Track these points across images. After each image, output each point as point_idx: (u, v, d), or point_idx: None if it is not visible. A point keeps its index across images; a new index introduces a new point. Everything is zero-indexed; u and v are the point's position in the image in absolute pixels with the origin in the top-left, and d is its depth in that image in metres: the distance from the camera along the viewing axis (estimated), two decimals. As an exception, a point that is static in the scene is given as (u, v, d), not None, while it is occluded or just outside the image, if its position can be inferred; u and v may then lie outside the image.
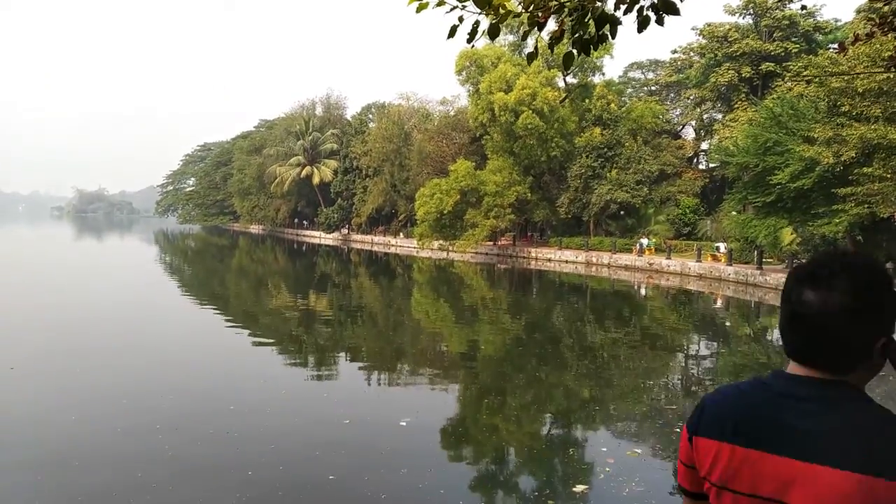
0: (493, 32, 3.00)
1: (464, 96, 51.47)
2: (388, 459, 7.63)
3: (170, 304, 21.87)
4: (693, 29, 43.14)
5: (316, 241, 71.59)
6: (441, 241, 46.07)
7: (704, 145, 47.26)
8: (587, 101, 44.77)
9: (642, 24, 2.90)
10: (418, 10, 2.97)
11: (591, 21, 2.95)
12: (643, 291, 30.02)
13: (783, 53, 37.89)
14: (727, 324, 21.17)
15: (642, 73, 54.97)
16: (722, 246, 33.49)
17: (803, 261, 1.73)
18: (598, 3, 2.96)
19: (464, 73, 46.18)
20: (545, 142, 42.05)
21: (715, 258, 33.00)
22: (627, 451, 8.05)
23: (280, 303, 24.07)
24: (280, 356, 14.10)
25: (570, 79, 47.22)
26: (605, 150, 42.34)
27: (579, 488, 6.78)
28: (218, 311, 21.36)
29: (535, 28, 3.10)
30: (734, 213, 34.57)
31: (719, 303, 26.01)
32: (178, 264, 44.21)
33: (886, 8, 4.56)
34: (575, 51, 3.18)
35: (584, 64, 44.20)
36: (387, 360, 14.25)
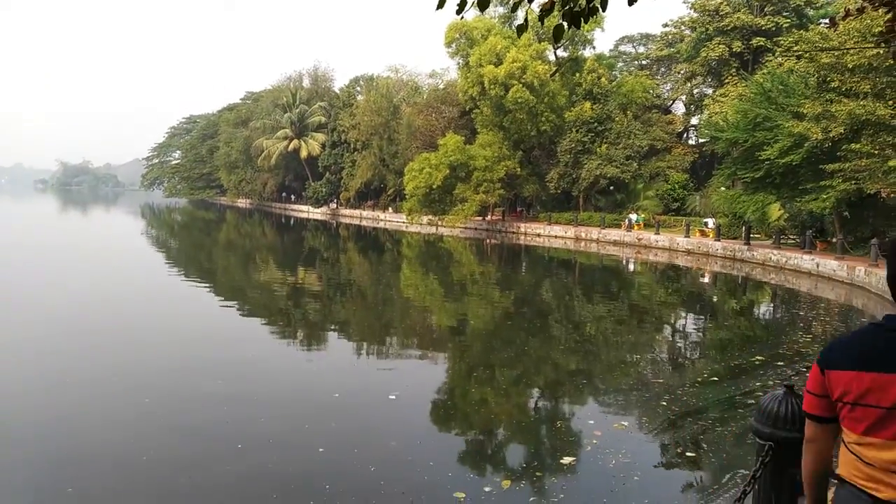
0: (482, 3, 2.95)
1: (453, 69, 51.06)
2: (377, 432, 7.68)
3: (156, 280, 21.74)
4: (684, 2, 42.79)
5: (304, 215, 71.24)
6: (430, 216, 45.97)
7: (694, 120, 47.21)
8: (577, 75, 44.48)
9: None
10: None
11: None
12: (631, 267, 30.17)
13: (774, 28, 37.71)
14: (714, 299, 21.35)
15: (633, 47, 54.64)
16: (710, 221, 33.64)
17: (791, 237, 2.05)
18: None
19: (453, 45, 45.67)
20: (535, 116, 41.84)
21: (703, 234, 33.16)
22: (614, 424, 8.14)
23: (268, 277, 24.00)
24: (269, 331, 14.08)
25: (560, 52, 46.86)
26: (595, 124, 42.20)
27: (567, 460, 6.85)
28: (206, 286, 21.27)
29: (526, -1, 3.05)
30: (723, 188, 34.67)
31: (707, 278, 26.20)
32: (164, 239, 43.89)
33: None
34: (565, 23, 3.13)
35: (574, 37, 43.82)
36: (376, 334, 14.28)
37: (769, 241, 29.00)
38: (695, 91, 45.85)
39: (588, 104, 42.93)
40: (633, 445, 7.39)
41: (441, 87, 55.81)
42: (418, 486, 6.17)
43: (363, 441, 7.35)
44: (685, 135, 49.01)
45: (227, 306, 17.28)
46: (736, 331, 15.42)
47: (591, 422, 8.24)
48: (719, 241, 30.78)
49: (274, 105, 76.51)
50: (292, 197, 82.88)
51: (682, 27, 45.95)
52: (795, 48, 25.97)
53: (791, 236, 29.43)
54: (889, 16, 5.17)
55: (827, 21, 33.18)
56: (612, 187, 42.77)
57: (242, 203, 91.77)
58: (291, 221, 64.52)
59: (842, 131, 21.05)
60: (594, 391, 10.06)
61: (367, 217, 62.88)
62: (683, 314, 18.34)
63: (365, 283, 23.74)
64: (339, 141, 67.30)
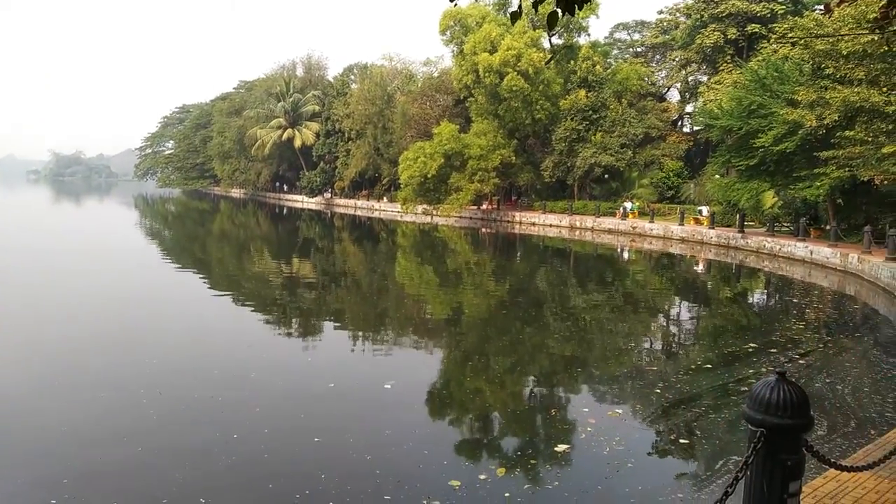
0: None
1: (448, 57, 50.84)
2: (372, 421, 7.70)
3: (151, 270, 21.68)
4: (679, -11, 42.62)
5: (298, 205, 71.04)
6: (425, 206, 45.88)
7: (689, 108, 47.15)
8: (572, 62, 44.32)
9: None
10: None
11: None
12: (626, 255, 30.21)
13: (769, 15, 37.59)
14: (708, 286, 21.41)
15: (628, 34, 54.38)
16: (704, 209, 33.67)
17: (785, 224, 1.93)
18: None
19: (448, 32, 45.42)
20: (530, 104, 41.70)
21: (697, 221, 33.20)
22: (609, 412, 8.18)
23: (263, 268, 23.96)
24: (264, 321, 14.07)
25: (555, 39, 46.68)
26: (590, 112, 42.09)
27: (561, 448, 6.88)
28: (200, 277, 21.23)
29: (520, -15, 3.02)
30: (717, 176, 34.67)
31: (701, 266, 26.27)
32: (158, 229, 43.75)
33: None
34: (559, 10, 3.11)
35: (569, 24, 43.64)
36: (371, 324, 14.29)
37: (763, 229, 29.07)
38: (689, 78, 45.74)
39: (583, 92, 42.80)
40: (627, 433, 7.43)
41: (435, 75, 55.55)
42: (413, 474, 6.19)
43: (359, 430, 7.37)
44: (680, 122, 48.95)
45: (222, 297, 17.25)
46: (729, 318, 15.48)
47: (586, 409, 8.28)
48: (713, 228, 30.83)
49: (267, 94, 76.08)
50: (286, 187, 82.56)
51: (677, 14, 45.77)
52: (790, 35, 25.90)
53: (785, 224, 29.49)
54: (884, 2, 5.15)
55: (822, 7, 33.10)
56: (606, 175, 42.74)
57: (236, 193, 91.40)
58: (285, 211, 64.36)
59: (836, 118, 21.05)
60: (589, 379, 10.10)
61: (361, 207, 62.74)
62: (677, 302, 18.39)
63: (360, 272, 23.73)
64: (334, 130, 67.00)
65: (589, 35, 47.05)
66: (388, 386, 9.09)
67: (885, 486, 4.18)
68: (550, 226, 41.82)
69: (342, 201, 66.62)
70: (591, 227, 38.84)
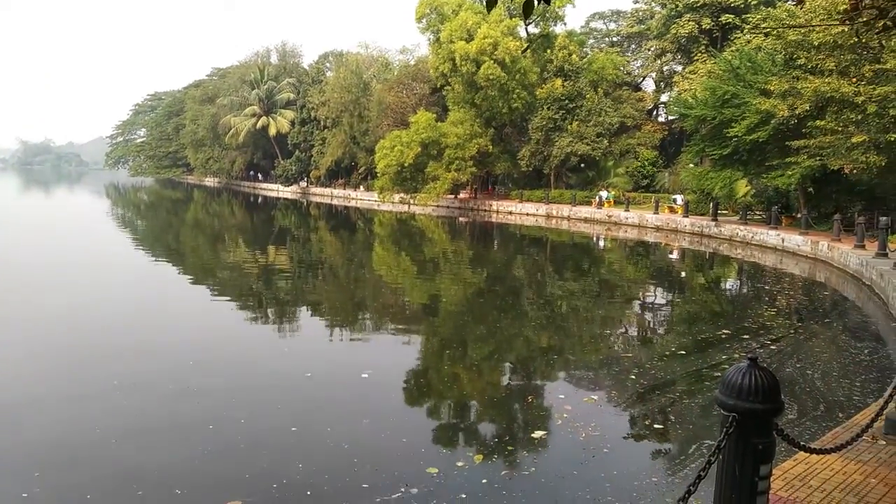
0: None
1: (424, 45, 50.54)
2: (350, 411, 7.69)
3: (124, 260, 21.37)
4: (655, -22, 42.80)
5: (274, 194, 70.41)
6: (402, 195, 45.76)
7: (664, 97, 47.49)
8: (549, 51, 44.35)
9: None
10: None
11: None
12: (602, 243, 30.46)
13: (743, 5, 37.91)
14: (682, 274, 21.69)
15: (604, 23, 54.56)
16: (679, 198, 34.04)
17: (757, 212, 1.91)
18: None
19: (424, 20, 45.17)
20: (507, 93, 41.70)
21: (672, 210, 33.57)
22: (584, 398, 8.27)
23: (239, 257, 23.73)
24: (239, 311, 13.96)
25: (531, 28, 46.63)
26: (566, 101, 42.23)
27: (538, 434, 6.95)
28: (175, 267, 20.98)
29: (496, -29, 3.01)
30: (691, 165, 35.05)
31: (675, 254, 26.58)
32: (131, 218, 43.09)
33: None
34: (535, -3, 3.10)
35: (545, 13, 43.62)
36: (348, 313, 14.25)
37: (736, 217, 29.49)
38: (664, 68, 46.05)
39: (559, 81, 42.90)
40: (603, 418, 7.51)
41: (412, 63, 55.29)
42: (391, 462, 6.20)
43: (336, 419, 7.36)
44: (655, 112, 49.32)
45: (196, 287, 17.07)
46: (703, 305, 15.71)
47: (562, 396, 8.35)
48: (688, 217, 31.20)
49: (241, 81, 75.10)
50: (261, 175, 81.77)
51: (653, 3, 45.97)
52: (763, 25, 26.21)
53: (757, 212, 29.95)
54: (853, -7, 5.22)
55: (793, -2, 33.49)
56: (582, 164, 42.97)
57: (210, 182, 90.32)
58: (260, 200, 63.77)
59: (807, 108, 21.36)
60: (565, 366, 10.19)
61: (338, 196, 62.38)
62: (652, 289, 18.61)
63: (337, 262, 23.62)
64: (309, 118, 66.41)
65: (565, 24, 47.16)
66: (366, 375, 9.08)
67: (852, 467, 4.29)
68: (527, 214, 41.99)
69: (318, 190, 66.16)
70: (568, 215, 39.07)
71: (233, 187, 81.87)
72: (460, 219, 42.40)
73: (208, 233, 33.63)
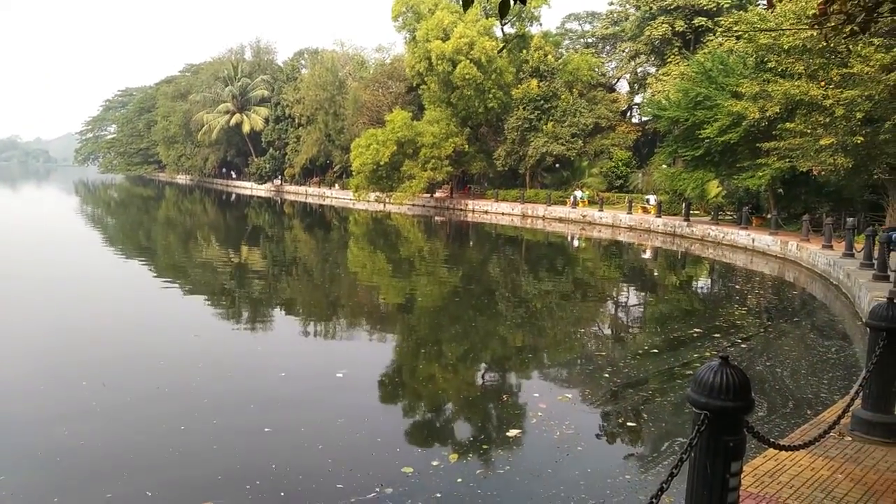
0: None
1: (400, 44, 50.42)
2: (324, 411, 7.64)
3: (93, 259, 20.98)
4: (629, -20, 43.18)
5: (247, 192, 69.71)
6: (377, 193, 45.59)
7: (638, 99, 47.95)
8: (524, 51, 44.54)
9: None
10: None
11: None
12: (576, 243, 30.68)
13: (715, 8, 38.48)
14: (655, 273, 21.93)
15: (579, 24, 54.92)
16: (652, 198, 34.42)
17: (728, 213, 1.89)
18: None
19: (400, 19, 45.07)
20: (483, 93, 41.78)
21: (645, 210, 33.92)
22: (559, 396, 8.32)
23: (211, 256, 23.45)
24: (212, 310, 13.79)
25: (507, 28, 46.78)
26: (542, 102, 42.44)
27: (513, 433, 6.97)
28: (145, 265, 20.65)
29: (472, -29, 3.00)
30: (664, 166, 35.46)
31: (648, 253, 26.88)
32: (101, 216, 42.33)
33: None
34: (511, -2, 3.10)
35: (521, 13, 43.81)
36: (323, 313, 14.16)
37: (708, 218, 29.90)
38: (638, 70, 46.50)
39: (535, 81, 43.10)
40: (577, 417, 7.57)
41: (388, 61, 55.11)
42: (366, 462, 6.18)
43: (310, 420, 7.30)
44: (629, 113, 49.78)
45: (168, 286, 16.82)
46: (675, 304, 15.90)
47: (537, 395, 8.39)
48: (660, 217, 31.56)
49: (214, 78, 74.22)
50: (234, 173, 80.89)
51: (627, 5, 46.39)
52: (735, 28, 26.58)
53: (728, 213, 30.40)
54: (822, -2, 5.32)
55: (765, 2, 34.07)
56: (557, 165, 43.23)
57: (182, 179, 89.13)
58: (234, 198, 63.08)
59: (777, 111, 21.74)
60: (539, 365, 10.24)
61: (312, 194, 61.95)
62: (625, 289, 18.79)
63: (312, 261, 23.47)
64: (283, 116, 65.85)
65: (541, 24, 47.42)
66: (341, 375, 9.03)
67: (820, 463, 4.37)
68: (503, 214, 42.13)
69: (292, 188, 65.65)
70: (543, 215, 39.28)
71: (205, 185, 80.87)
72: (436, 218, 42.39)
73: (180, 231, 33.17)
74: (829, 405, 6.59)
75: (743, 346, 10.86)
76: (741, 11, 30.32)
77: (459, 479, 5.81)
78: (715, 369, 2.80)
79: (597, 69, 45.77)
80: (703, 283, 20.33)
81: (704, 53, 30.58)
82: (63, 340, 10.56)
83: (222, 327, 12.27)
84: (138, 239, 28.99)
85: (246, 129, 68.95)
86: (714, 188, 29.86)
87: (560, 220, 37.62)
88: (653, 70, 44.26)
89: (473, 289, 17.20)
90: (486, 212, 43.42)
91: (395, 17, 44.95)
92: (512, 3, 3.15)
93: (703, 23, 38.57)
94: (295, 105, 61.23)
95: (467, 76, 40.31)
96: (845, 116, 19.61)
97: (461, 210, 45.22)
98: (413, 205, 46.46)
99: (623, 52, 46.92)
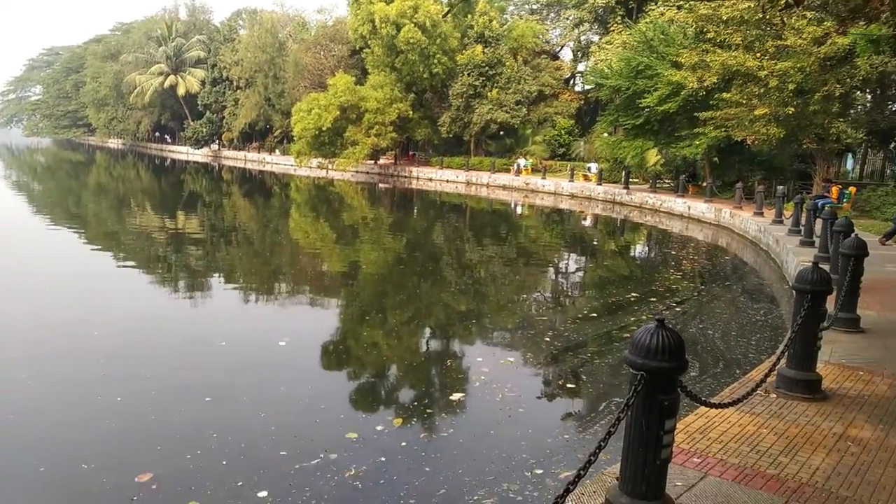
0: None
1: (342, 5, 49.16)
2: (266, 378, 7.56)
3: (19, 227, 19.99)
4: (573, -53, 43.07)
5: (183, 157, 67.48)
6: (320, 159, 44.84)
7: (581, 67, 48.29)
8: (469, 16, 44.11)
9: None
10: None
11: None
12: (519, 210, 30.98)
13: (657, -23, 38.85)
14: (595, 240, 22.39)
15: (524, -10, 54.62)
16: (593, 166, 34.96)
17: (666, 181, 1.89)
18: None
19: (342, -20, 43.86)
20: (427, 58, 41.28)
21: (586, 178, 34.46)
22: (501, 360, 8.45)
23: (146, 223, 22.68)
24: (147, 279, 13.39)
25: (452, -8, 46.14)
26: (487, 68, 42.26)
27: (456, 396, 7.06)
28: (76, 233, 19.83)
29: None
30: (605, 134, 35.97)
31: (589, 220, 27.38)
32: (26, 182, 40.28)
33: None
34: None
35: (466, -23, 43.23)
36: (264, 281, 13.93)
37: (646, 186, 30.61)
38: (582, 38, 46.74)
39: (479, 47, 42.82)
40: (519, 380, 7.72)
41: (330, 24, 53.75)
42: (310, 428, 6.16)
43: (252, 388, 7.21)
44: (572, 81, 50.12)
45: (100, 254, 16.20)
46: (614, 270, 16.30)
47: (480, 359, 8.51)
48: (601, 185, 32.13)
49: (147, 38, 71.03)
50: (169, 137, 78.07)
51: (571, -28, 46.34)
52: (676, -2, 26.92)
53: (666, 181, 31.18)
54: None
55: (704, -27, 34.53)
56: (502, 132, 43.32)
57: (114, 143, 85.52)
58: (168, 163, 60.95)
59: (715, 81, 22.23)
60: (483, 330, 10.37)
61: (252, 159, 60.44)
62: (567, 255, 19.14)
63: (251, 228, 22.98)
64: (221, 78, 63.69)
65: (486, -11, 46.90)
66: (283, 343, 8.94)
67: (746, 419, 4.59)
68: (447, 181, 42.09)
69: (231, 153, 63.88)
70: (487, 182, 39.44)
71: (139, 149, 77.83)
72: (380, 185, 42.03)
73: (112, 197, 31.92)
74: (757, 364, 6.91)
75: (678, 309, 11.24)
76: (682, -19, 30.66)
77: (404, 443, 5.87)
78: (651, 332, 2.88)
79: (541, 36, 45.79)
80: (640, 249, 20.88)
81: (646, 23, 30.93)
82: (-13, 311, 10.07)
83: (158, 296, 11.93)
84: (67, 206, 27.75)
85: (181, 91, 66.46)
86: (653, 157, 30.52)
87: (504, 187, 37.85)
88: (596, 38, 44.56)
89: (418, 256, 17.21)
90: (430, 179, 43.28)
91: (337, -23, 43.70)
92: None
93: (645, -9, 38.88)
94: (233, 67, 59.26)
95: (412, 40, 39.72)
96: (778, 87, 20.24)
97: (406, 177, 44.95)
98: (356, 171, 45.90)
99: (567, 19, 47.01)
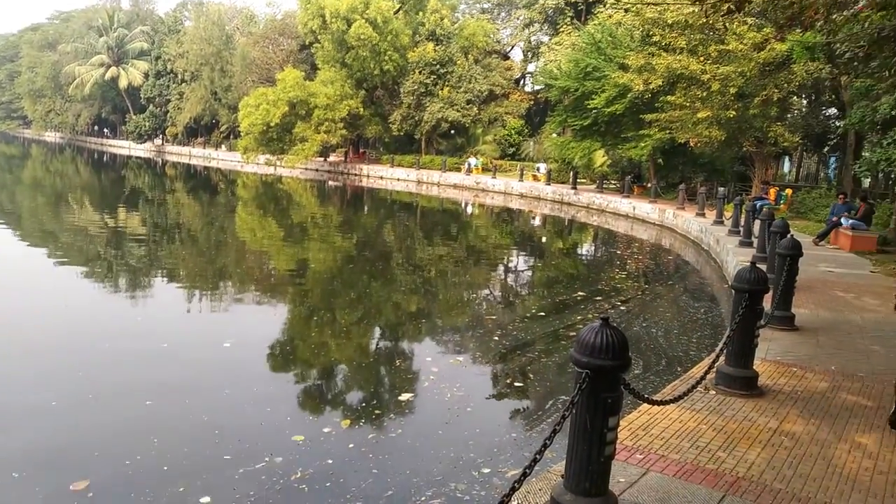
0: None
1: None
2: (210, 381, 7.38)
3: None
4: (524, -51, 43.48)
5: (125, 151, 65.42)
6: (268, 156, 44.09)
7: (531, 67, 48.82)
8: (421, 14, 44.06)
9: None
10: None
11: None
12: (470, 210, 31.11)
13: (605, -19, 39.55)
14: (543, 240, 22.66)
15: (475, -11, 54.85)
16: (542, 166, 35.37)
17: (613, 182, 1.92)
18: None
19: (291, -26, 43.22)
20: (378, 54, 41.04)
21: (536, 178, 34.85)
22: (451, 360, 8.47)
23: (85, 220, 21.88)
24: (86, 279, 12.90)
25: (403, -10, 46.00)
26: (438, 67, 42.28)
27: (405, 397, 7.04)
28: (9, 229, 18.98)
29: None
30: (554, 135, 36.45)
31: (538, 220, 27.70)
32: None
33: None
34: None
35: (417, -25, 43.16)
36: (209, 280, 13.60)
37: (594, 186, 31.15)
38: (532, 38, 47.24)
39: (431, 45, 42.81)
40: (468, 379, 7.75)
41: (279, 17, 52.91)
42: (255, 432, 6.04)
43: (195, 391, 7.04)
44: (522, 81, 50.62)
45: (36, 252, 15.56)
46: (561, 269, 16.53)
47: (429, 359, 8.50)
48: (550, 185, 32.54)
49: (87, 27, 68.56)
50: (109, 131, 75.55)
51: (521, -26, 46.77)
52: (623, 1, 27.45)
53: (613, 181, 31.80)
54: (702, -24, 5.57)
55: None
56: (453, 131, 43.42)
57: (51, 137, 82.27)
58: (108, 158, 58.97)
59: (660, 83, 22.79)
60: (432, 330, 10.37)
61: (197, 155, 59.01)
62: (515, 255, 19.31)
63: (196, 226, 22.43)
64: (165, 70, 61.98)
65: (437, -13, 46.94)
66: (227, 344, 8.74)
67: (687, 415, 4.71)
68: (398, 180, 41.96)
69: (175, 149, 62.25)
70: (438, 181, 39.47)
71: (78, 143, 75.08)
72: (330, 182, 41.60)
73: (49, 193, 30.69)
74: (698, 362, 7.11)
75: (622, 308, 11.47)
76: (629, -14, 31.29)
77: (351, 445, 5.81)
78: (596, 330, 2.92)
79: (492, 35, 46.07)
80: (587, 248, 21.23)
81: (595, 25, 31.46)
82: None
83: (96, 296, 11.52)
84: (0, 200, 26.54)
85: (123, 83, 64.42)
86: (600, 158, 31.08)
87: (455, 186, 37.96)
88: (546, 39, 45.11)
89: (367, 255, 17.10)
90: (381, 177, 43.07)
91: (287, -29, 43.03)
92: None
93: (594, -6, 39.53)
94: (178, 59, 57.74)
95: (363, 36, 39.43)
96: (720, 91, 20.87)
97: (356, 175, 44.62)
98: (306, 168, 45.31)
99: (518, 19, 47.47)
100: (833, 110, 25.88)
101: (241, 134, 44.43)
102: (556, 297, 12.50)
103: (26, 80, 77.41)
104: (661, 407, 4.63)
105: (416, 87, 41.97)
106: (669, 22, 22.10)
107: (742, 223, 15.24)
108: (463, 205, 32.36)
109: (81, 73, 65.85)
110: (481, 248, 19.58)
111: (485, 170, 38.98)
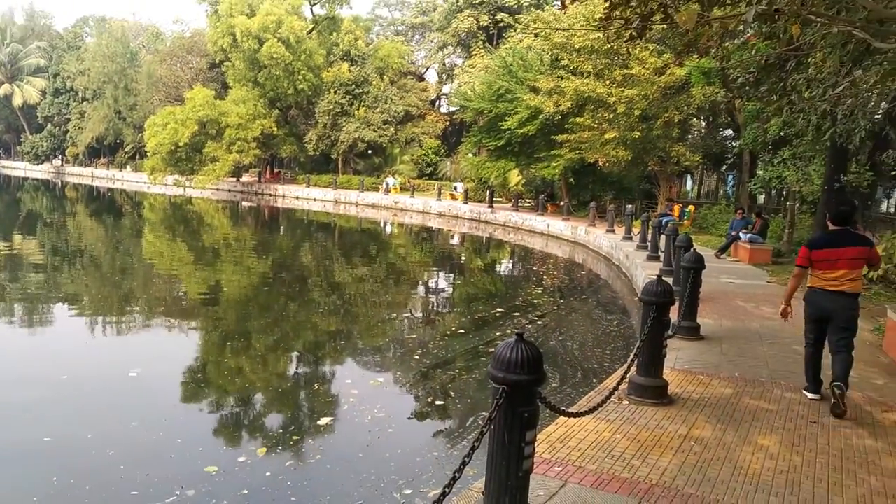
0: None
1: (201, 17, 47.32)
2: (115, 414, 6.98)
3: None
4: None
5: (20, 173, 61.54)
6: (177, 176, 42.58)
7: (446, 89, 49.52)
8: (335, 34, 43.96)
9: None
10: None
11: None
12: (388, 229, 31.05)
13: (516, 6, 40.78)
14: (462, 258, 22.89)
15: (389, 11, 55.39)
16: (459, 186, 35.82)
17: (527, 200, 2.04)
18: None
19: (201, -9, 42.24)
20: (292, 74, 40.59)
21: (453, 197, 35.23)
22: (371, 381, 8.37)
23: (-26, 245, 20.35)
24: (-25, 307, 11.98)
25: (317, 9, 45.84)
26: (353, 87, 42.23)
27: (324, 421, 6.89)
28: None
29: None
30: (470, 155, 37.04)
31: (456, 239, 27.96)
32: None
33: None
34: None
35: (331, -5, 43.13)
36: (113, 307, 12.91)
37: (509, 205, 31.80)
38: (446, 60, 48.00)
39: (346, 66, 42.74)
40: (388, 400, 7.67)
41: (188, 35, 51.44)
42: (164, 464, 5.75)
43: (99, 424, 6.64)
44: (438, 102, 51.27)
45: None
46: (480, 287, 16.73)
47: (349, 381, 8.38)
48: (467, 204, 32.98)
49: (-25, 41, 64.27)
50: (1, 152, 70.95)
51: (435, -4, 47.61)
52: (533, 26, 28.36)
53: (527, 200, 32.56)
54: (607, 4, 5.83)
55: (559, 3, 36.75)
56: (370, 151, 43.36)
57: (-65, 157, 76.21)
58: (2, 180, 55.28)
59: (569, 106, 23.61)
60: (352, 351, 10.23)
61: (100, 176, 56.27)
62: (435, 273, 19.40)
63: (98, 250, 21.30)
64: (64, 88, 58.95)
65: (351, 8, 47.44)
66: (134, 374, 8.31)
67: (603, 426, 4.84)
68: (315, 200, 41.41)
69: (76, 170, 59.16)
70: (356, 201, 39.23)
71: (-34, 164, 69.97)
72: (243, 203, 40.55)
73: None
74: (611, 373, 7.33)
75: (539, 322, 11.71)
76: (539, 10, 32.42)
77: (268, 473, 5.63)
78: (511, 346, 2.96)
79: (407, 57, 46.49)
80: (505, 266, 21.59)
81: (506, 48, 32.30)
82: None
83: (-12, 327, 10.70)
84: None
85: (17, 101, 60.81)
86: (515, 177, 31.79)
87: (373, 206, 37.82)
88: (460, 61, 45.93)
89: (284, 277, 16.73)
90: (297, 197, 42.39)
91: (195, -13, 42.04)
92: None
93: (505, 19, 40.68)
94: (78, 77, 55.09)
95: (275, 55, 38.92)
96: (626, 113, 21.83)
97: (271, 195, 43.72)
98: (217, 189, 44.03)
99: (432, 41, 48.14)
100: (729, 131, 27.54)
101: (148, 154, 42.75)
102: (475, 315, 12.61)
103: None
104: (578, 419, 4.73)
105: (331, 106, 41.71)
106: (577, 47, 23.01)
107: (649, 238, 15.89)
108: (382, 224, 32.27)
109: (-30, 89, 61.71)
110: (401, 268, 19.55)
111: (403, 189, 39.08)
